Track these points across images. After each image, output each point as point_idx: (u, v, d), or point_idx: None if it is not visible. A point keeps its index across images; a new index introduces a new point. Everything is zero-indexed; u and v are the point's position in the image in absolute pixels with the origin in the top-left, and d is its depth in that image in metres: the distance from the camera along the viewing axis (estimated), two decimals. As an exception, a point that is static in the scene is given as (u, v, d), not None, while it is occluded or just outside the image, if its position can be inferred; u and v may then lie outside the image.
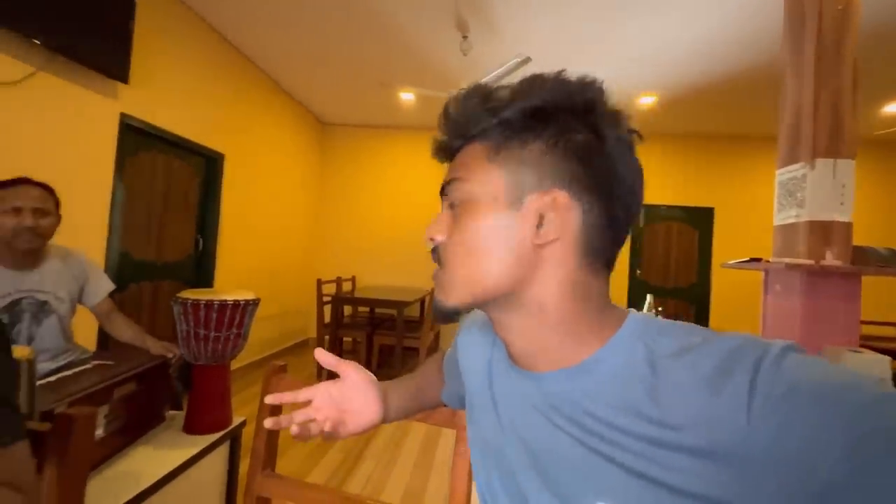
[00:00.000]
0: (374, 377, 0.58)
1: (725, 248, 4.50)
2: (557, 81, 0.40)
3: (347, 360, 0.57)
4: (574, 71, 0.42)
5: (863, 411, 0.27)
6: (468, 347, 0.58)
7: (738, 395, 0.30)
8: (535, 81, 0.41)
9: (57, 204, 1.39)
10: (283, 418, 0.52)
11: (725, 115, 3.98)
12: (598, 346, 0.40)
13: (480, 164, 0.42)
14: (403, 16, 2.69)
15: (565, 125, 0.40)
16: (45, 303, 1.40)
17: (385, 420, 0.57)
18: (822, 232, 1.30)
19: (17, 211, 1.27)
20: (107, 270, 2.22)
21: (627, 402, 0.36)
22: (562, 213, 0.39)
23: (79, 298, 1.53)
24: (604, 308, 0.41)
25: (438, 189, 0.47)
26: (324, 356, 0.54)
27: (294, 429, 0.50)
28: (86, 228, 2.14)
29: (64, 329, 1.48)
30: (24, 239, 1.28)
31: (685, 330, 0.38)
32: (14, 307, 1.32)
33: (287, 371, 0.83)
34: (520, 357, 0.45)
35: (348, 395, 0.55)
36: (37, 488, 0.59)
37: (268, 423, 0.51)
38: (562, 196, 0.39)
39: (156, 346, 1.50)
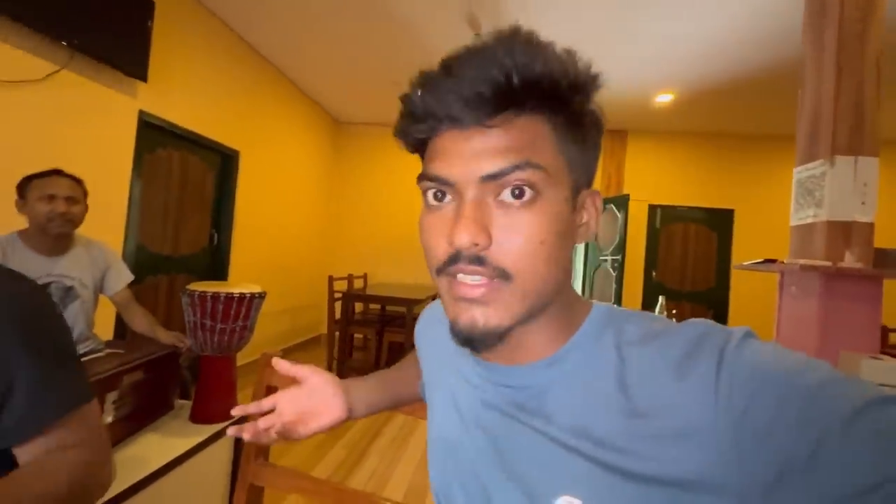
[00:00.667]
0: (335, 377, 0.57)
1: (746, 251, 4.36)
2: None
3: (305, 365, 0.56)
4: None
5: (815, 392, 0.28)
6: (426, 339, 0.57)
7: (704, 379, 0.31)
8: (570, 52, 0.35)
9: (85, 194, 1.48)
10: (247, 426, 0.51)
11: (748, 113, 3.87)
12: (567, 338, 0.39)
13: (551, 151, 0.35)
14: (416, 14, 2.69)
15: (595, 112, 0.37)
16: (70, 288, 1.46)
17: (352, 416, 0.57)
18: (842, 232, 1.25)
19: (51, 198, 1.35)
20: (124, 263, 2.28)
21: (595, 393, 0.36)
22: (594, 214, 0.39)
23: (100, 287, 1.58)
24: (575, 300, 0.41)
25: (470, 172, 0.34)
26: (280, 364, 0.54)
27: (246, 435, 0.50)
28: (104, 222, 2.20)
29: (87, 316, 1.54)
30: (56, 224, 1.36)
31: (647, 318, 0.39)
32: None
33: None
34: (490, 353, 0.42)
35: (310, 398, 0.55)
36: (108, 450, 0.59)
37: (231, 431, 0.51)
38: (598, 197, 0.39)
39: (166, 337, 1.54)
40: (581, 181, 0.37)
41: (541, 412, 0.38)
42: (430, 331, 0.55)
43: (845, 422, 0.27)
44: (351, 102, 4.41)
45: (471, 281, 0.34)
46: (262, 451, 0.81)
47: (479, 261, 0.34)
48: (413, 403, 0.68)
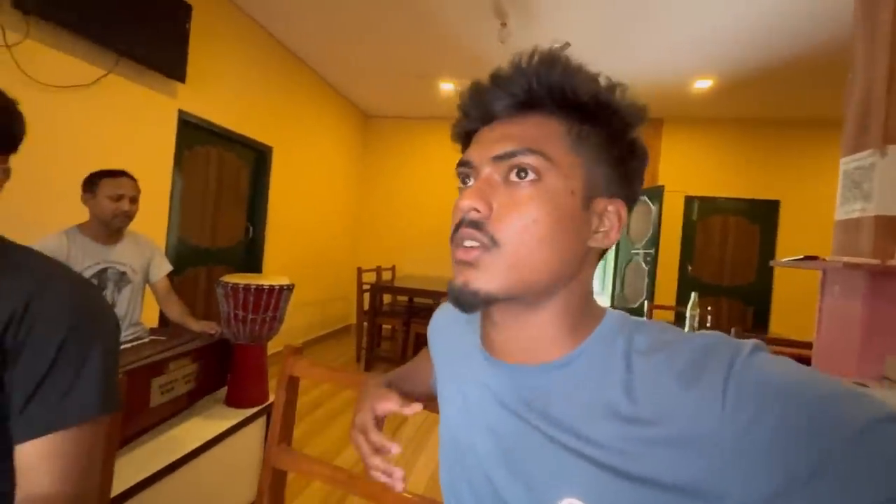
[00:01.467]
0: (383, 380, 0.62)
1: (793, 245, 4.10)
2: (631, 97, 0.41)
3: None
4: (616, 57, 0.40)
5: (822, 407, 0.28)
6: (439, 338, 0.57)
7: (712, 389, 0.32)
8: (620, 85, 0.40)
9: (139, 192, 1.62)
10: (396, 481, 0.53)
11: (795, 98, 3.60)
12: (579, 341, 0.40)
13: (562, 148, 0.38)
14: (442, 8, 2.67)
15: (637, 141, 0.41)
16: (123, 273, 1.60)
17: None
18: (892, 228, 1.16)
19: (120, 197, 1.51)
20: (166, 255, 2.43)
21: (602, 398, 0.36)
22: (616, 223, 0.40)
23: (146, 276, 1.71)
24: (589, 305, 0.42)
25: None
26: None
27: (398, 485, 0.54)
28: (149, 216, 2.34)
29: (137, 301, 1.67)
30: (119, 220, 1.53)
31: (659, 327, 0.39)
32: (102, 275, 1.54)
33: (303, 352, 0.87)
34: (500, 348, 0.43)
35: None
36: (94, 481, 0.54)
37: (398, 485, 0.53)
38: (623, 208, 0.41)
39: (196, 325, 1.63)
40: (600, 188, 0.40)
41: (547, 414, 0.39)
42: (443, 330, 0.56)
43: (850, 439, 0.27)
44: (379, 96, 4.45)
45: (467, 244, 0.38)
46: (286, 437, 0.85)
47: (476, 226, 0.38)
48: (428, 398, 0.70)
